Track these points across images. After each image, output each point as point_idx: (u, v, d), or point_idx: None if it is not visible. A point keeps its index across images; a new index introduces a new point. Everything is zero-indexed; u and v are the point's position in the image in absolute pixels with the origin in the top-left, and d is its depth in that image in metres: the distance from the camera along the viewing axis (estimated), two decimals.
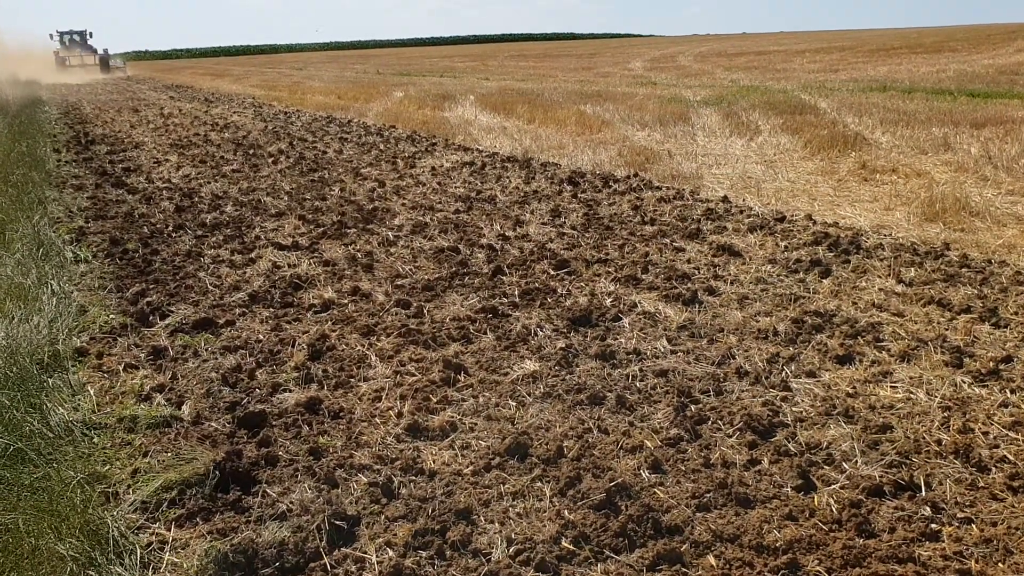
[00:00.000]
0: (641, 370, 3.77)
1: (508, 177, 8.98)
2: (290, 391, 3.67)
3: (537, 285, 5.10)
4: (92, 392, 3.65)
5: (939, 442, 3.06)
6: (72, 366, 4.03)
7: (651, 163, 9.44)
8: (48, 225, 6.95)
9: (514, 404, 3.49)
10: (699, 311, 4.55)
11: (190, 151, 11.97)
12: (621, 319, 4.45)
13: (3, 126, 13.79)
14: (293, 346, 4.17)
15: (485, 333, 4.32)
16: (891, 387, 3.54)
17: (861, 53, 36.78)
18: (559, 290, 5.01)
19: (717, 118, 13.30)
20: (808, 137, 10.48)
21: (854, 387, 3.55)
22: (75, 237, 6.69)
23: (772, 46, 53.30)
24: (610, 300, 4.76)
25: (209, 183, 9.16)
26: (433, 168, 9.84)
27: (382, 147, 11.87)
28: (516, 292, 4.97)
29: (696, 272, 5.27)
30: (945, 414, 3.27)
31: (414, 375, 3.81)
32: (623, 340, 4.15)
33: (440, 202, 7.80)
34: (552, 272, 5.38)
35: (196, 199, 8.23)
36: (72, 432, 3.24)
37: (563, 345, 4.08)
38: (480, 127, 13.89)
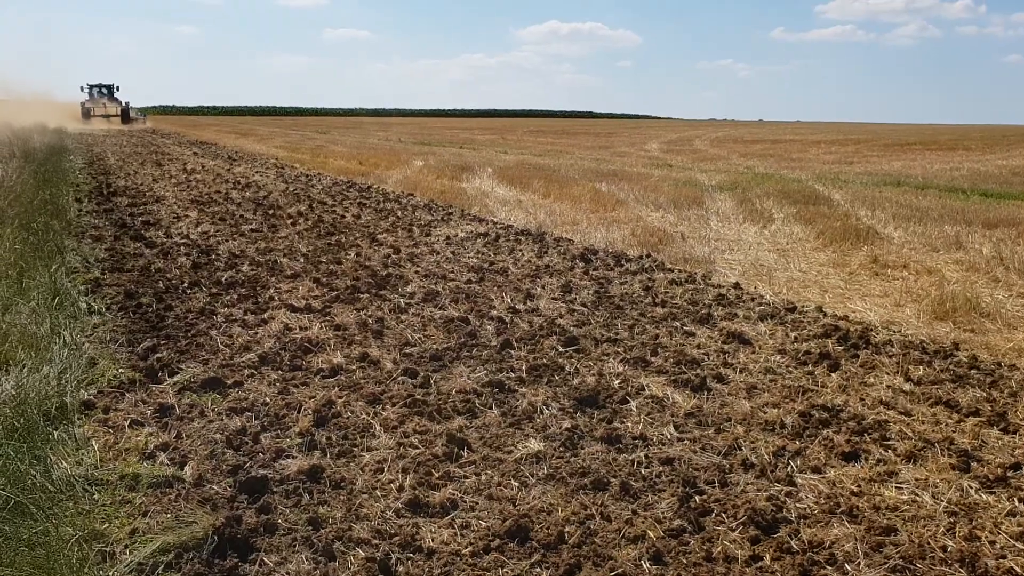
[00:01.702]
0: (647, 456, 3.76)
1: (521, 250, 9.07)
2: (293, 457, 3.66)
3: (545, 361, 5.11)
4: (96, 447, 3.65)
5: (944, 548, 3.02)
6: (78, 419, 4.05)
7: (664, 244, 9.53)
8: (65, 274, 7.04)
9: (516, 484, 3.47)
10: (707, 398, 4.54)
11: (210, 208, 12.16)
12: (629, 402, 4.45)
13: (29, 174, 14.07)
14: (299, 411, 4.18)
15: (491, 408, 4.32)
16: (896, 488, 3.51)
17: (876, 147, 37.32)
18: (567, 368, 5.01)
19: (731, 203, 13.46)
20: (821, 228, 10.58)
21: (859, 485, 3.52)
22: (90, 288, 6.77)
23: (788, 135, 54.16)
24: (618, 381, 4.76)
25: (227, 241, 9.29)
26: (448, 237, 9.95)
27: (399, 214, 12.03)
28: (524, 367, 4.98)
29: (705, 358, 5.27)
30: (951, 519, 3.24)
31: (417, 448, 3.80)
32: (630, 424, 4.14)
33: (453, 271, 7.88)
34: (561, 349, 5.40)
35: (213, 256, 8.34)
36: (74, 487, 3.24)
37: (569, 426, 4.07)
38: (496, 199, 14.08)
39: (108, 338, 5.44)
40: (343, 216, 11.70)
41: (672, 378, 4.85)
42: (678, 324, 6.09)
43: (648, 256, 8.78)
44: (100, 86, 59.76)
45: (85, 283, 6.96)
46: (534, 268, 8.08)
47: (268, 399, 4.36)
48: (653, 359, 5.23)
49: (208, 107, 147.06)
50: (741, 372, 5.01)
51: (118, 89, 60.03)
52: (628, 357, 5.24)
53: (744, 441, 3.96)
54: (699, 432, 4.07)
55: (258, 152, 27.39)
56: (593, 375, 4.88)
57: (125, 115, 55.68)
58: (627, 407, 4.39)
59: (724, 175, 19.42)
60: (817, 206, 12.82)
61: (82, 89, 58.88)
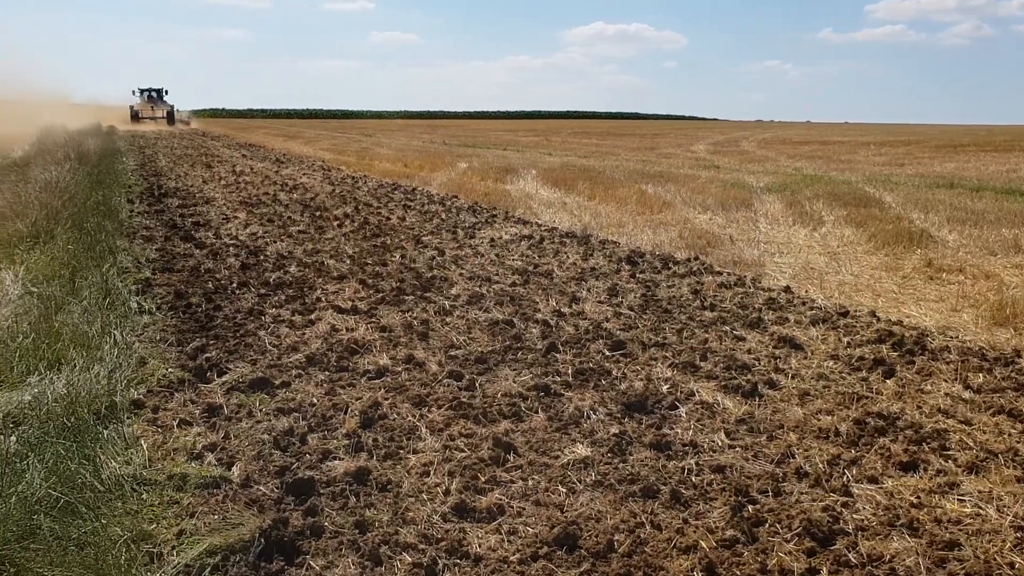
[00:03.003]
0: (697, 464, 3.67)
1: (566, 252, 9.01)
2: (340, 459, 3.65)
3: (591, 365, 5.04)
4: (145, 447, 3.68)
5: (1012, 565, 2.90)
6: (128, 418, 4.09)
7: (712, 247, 9.39)
8: (116, 274, 7.15)
9: (564, 490, 3.42)
10: (759, 404, 4.44)
11: (259, 210, 12.29)
12: (678, 408, 4.37)
13: (83, 175, 14.38)
14: (346, 412, 4.17)
15: (537, 412, 4.27)
16: (959, 500, 3.38)
17: (928, 148, 36.50)
18: (614, 372, 4.94)
19: (780, 206, 13.24)
20: (873, 231, 10.34)
21: (919, 497, 3.40)
22: (141, 288, 6.86)
23: (837, 136, 53.27)
24: (667, 387, 4.68)
25: (275, 242, 9.37)
26: (492, 239, 9.92)
27: (444, 216, 12.04)
28: (570, 371, 4.92)
29: (756, 363, 5.16)
30: (1018, 535, 3.10)
31: (463, 451, 3.77)
32: (679, 430, 4.06)
33: (497, 274, 7.84)
34: (607, 353, 5.33)
35: (261, 257, 8.41)
36: (122, 487, 3.26)
37: (616, 431, 4.00)
38: (541, 201, 14.03)
39: (158, 338, 5.50)
40: (388, 218, 11.74)
41: (722, 384, 4.75)
42: (728, 328, 5.98)
43: (696, 259, 8.66)
44: (150, 90, 64.42)
45: (136, 283, 7.06)
46: (579, 271, 8.01)
47: (315, 400, 4.36)
48: (702, 364, 5.14)
49: (256, 110, 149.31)
50: (793, 378, 4.89)
51: (167, 93, 64.88)
52: (677, 362, 5.15)
53: (797, 449, 3.85)
54: (751, 439, 3.97)
55: (305, 154, 27.69)
56: (641, 380, 4.80)
57: (170, 117, 59.87)
58: (676, 413, 4.31)
59: (772, 177, 19.13)
60: (868, 208, 12.55)
61: (133, 93, 64.23)
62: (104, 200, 11.89)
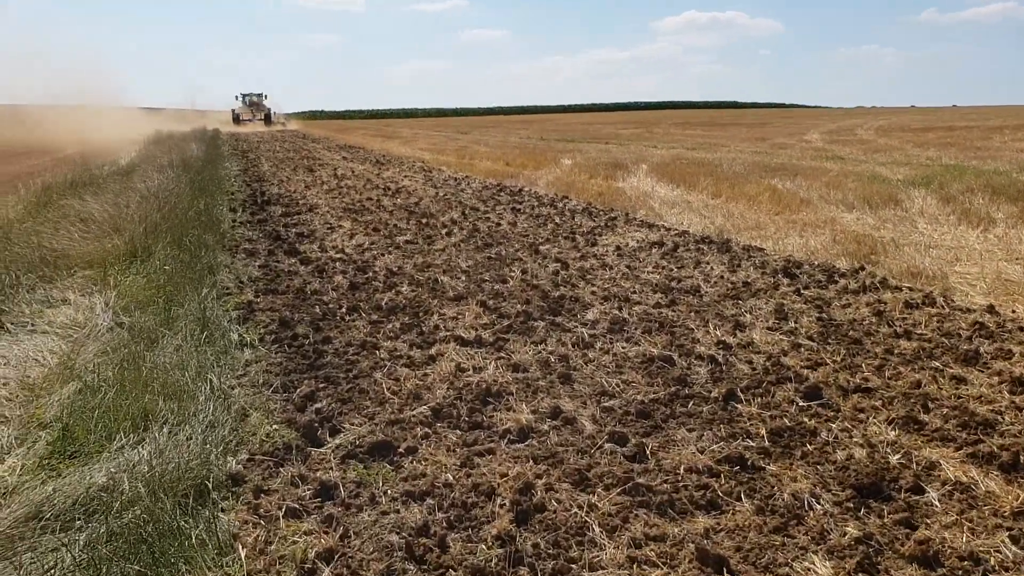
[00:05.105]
0: None
1: (707, 263, 7.93)
2: None
3: (787, 422, 4.00)
4: (242, 552, 2.85)
5: None
6: (224, 499, 3.29)
7: (876, 254, 8.13)
8: (215, 298, 6.48)
9: None
10: None
11: (363, 217, 11.61)
12: (924, 491, 3.29)
13: (186, 183, 14.02)
14: (491, 499, 3.25)
15: (739, 499, 3.27)
16: None
17: None
18: (820, 432, 3.89)
19: (933, 202, 11.75)
20: None
21: None
22: (243, 314, 6.15)
23: (960, 121, 49.91)
24: (897, 456, 3.60)
25: (383, 255, 8.61)
26: (618, 247, 8.92)
27: (557, 220, 11.09)
28: (763, 431, 3.89)
29: (998, 418, 4.02)
30: None
31: (657, 566, 2.80)
32: (941, 530, 2.99)
33: (634, 291, 6.85)
34: (801, 403, 4.26)
35: (370, 274, 7.64)
36: None
37: (856, 533, 2.96)
38: (660, 200, 12.93)
39: (261, 381, 4.73)
40: (498, 224, 10.87)
41: (968, 451, 3.64)
42: (938, 364, 4.83)
43: (862, 269, 7.45)
44: (251, 95, 70.67)
45: (237, 307, 6.37)
46: (730, 286, 6.93)
47: (451, 475, 3.46)
48: (926, 418, 4.03)
49: (353, 111, 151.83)
50: None
51: (266, 97, 70.65)
52: (893, 416, 4.06)
53: None
54: None
55: (404, 155, 27.18)
56: (859, 445, 3.73)
57: (267, 119, 66.79)
58: (924, 499, 3.24)
59: (908, 168, 17.44)
60: None
61: (236, 98, 70.64)
62: (206, 209, 11.39)
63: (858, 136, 33.95)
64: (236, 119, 66.02)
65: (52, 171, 16.93)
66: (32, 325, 5.74)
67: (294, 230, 10.45)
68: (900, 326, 5.62)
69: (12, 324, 5.74)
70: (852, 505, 3.19)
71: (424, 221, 11.13)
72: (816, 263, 7.78)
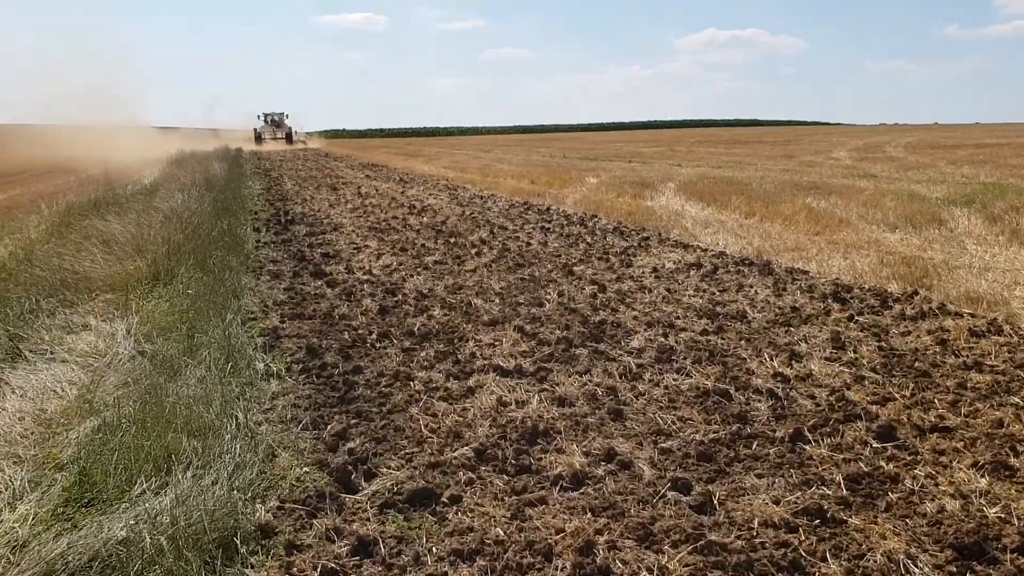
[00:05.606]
0: None
1: (751, 286, 7.58)
2: None
3: (864, 467, 3.66)
4: None
5: None
6: (252, 552, 2.99)
7: (928, 277, 7.75)
8: (240, 323, 6.21)
9: None
10: None
11: (389, 236, 11.36)
12: None
13: (209, 202, 13.84)
14: (549, 561, 2.93)
15: (823, 559, 2.92)
16: None
17: None
18: (902, 479, 3.54)
19: (979, 221, 11.33)
20: None
21: None
22: (268, 341, 5.88)
23: (987, 138, 49.24)
24: (994, 510, 3.24)
25: (412, 276, 8.33)
26: (655, 269, 8.60)
27: (588, 240, 10.79)
28: (838, 478, 3.55)
29: None
30: None
31: None
32: None
33: (678, 316, 6.51)
34: (875, 445, 3.92)
35: (400, 297, 7.36)
36: None
37: None
38: (693, 220, 12.59)
39: (289, 416, 4.43)
40: (528, 243, 10.58)
41: None
42: (1018, 400, 4.46)
43: (916, 294, 7.07)
44: (273, 114, 72.51)
45: (262, 333, 6.10)
46: (778, 311, 6.58)
47: (501, 530, 3.14)
48: (1016, 463, 3.67)
49: (375, 129, 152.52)
50: None
51: (287, 117, 72.70)
52: (979, 460, 3.70)
53: None
54: None
55: (428, 173, 26.99)
56: (949, 495, 3.38)
57: (288, 137, 68.30)
58: None
59: (945, 186, 16.99)
60: None
61: (258, 117, 72.65)
62: (229, 229, 11.17)
63: (887, 153, 33.43)
64: (258, 138, 67.70)
65: (76, 191, 16.83)
66: (51, 353, 5.50)
67: (319, 250, 10.21)
68: (968, 356, 5.25)
69: (31, 352, 5.50)
70: (955, 569, 2.84)
71: (452, 240, 10.86)
72: (866, 287, 7.41)
